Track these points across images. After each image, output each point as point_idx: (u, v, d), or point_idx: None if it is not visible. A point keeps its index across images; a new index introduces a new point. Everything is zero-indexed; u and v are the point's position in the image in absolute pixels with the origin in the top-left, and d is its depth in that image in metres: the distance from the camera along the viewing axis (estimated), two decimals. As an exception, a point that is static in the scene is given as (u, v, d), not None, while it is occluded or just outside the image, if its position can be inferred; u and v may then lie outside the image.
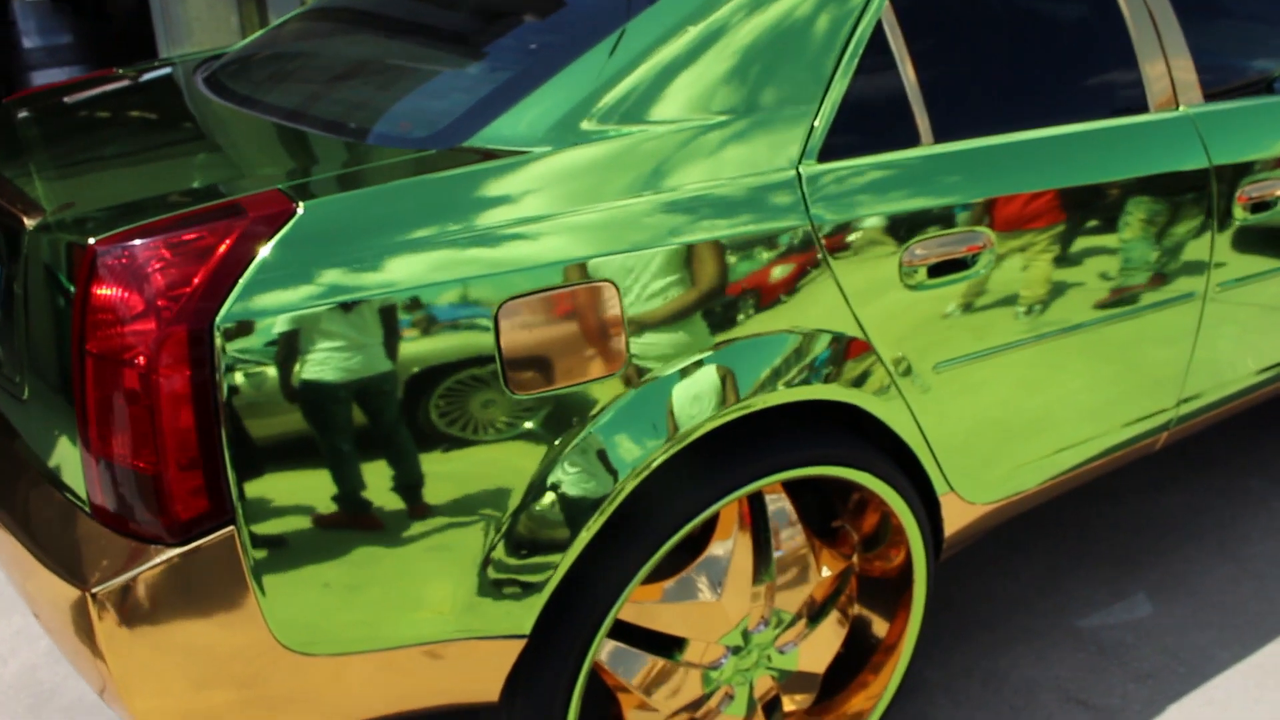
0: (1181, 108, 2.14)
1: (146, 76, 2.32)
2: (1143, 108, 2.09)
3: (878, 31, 1.78)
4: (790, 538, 1.85)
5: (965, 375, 1.88)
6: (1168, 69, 2.13)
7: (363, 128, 1.67)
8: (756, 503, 1.81)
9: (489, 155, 1.51)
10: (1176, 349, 2.21)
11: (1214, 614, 2.47)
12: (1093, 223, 1.95)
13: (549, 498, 1.50)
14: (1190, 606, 2.49)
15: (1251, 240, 2.23)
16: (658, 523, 1.61)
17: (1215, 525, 2.79)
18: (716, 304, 1.57)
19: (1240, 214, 2.19)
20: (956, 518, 2.00)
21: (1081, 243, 1.94)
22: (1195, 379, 2.29)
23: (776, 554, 1.83)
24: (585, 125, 1.56)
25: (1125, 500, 2.91)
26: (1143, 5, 2.11)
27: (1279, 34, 2.46)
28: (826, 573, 1.94)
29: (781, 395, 1.65)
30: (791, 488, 1.89)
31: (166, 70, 2.37)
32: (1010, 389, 1.96)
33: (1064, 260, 1.93)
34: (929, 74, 1.83)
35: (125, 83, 2.27)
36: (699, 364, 1.57)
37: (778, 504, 1.82)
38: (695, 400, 1.57)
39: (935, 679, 2.29)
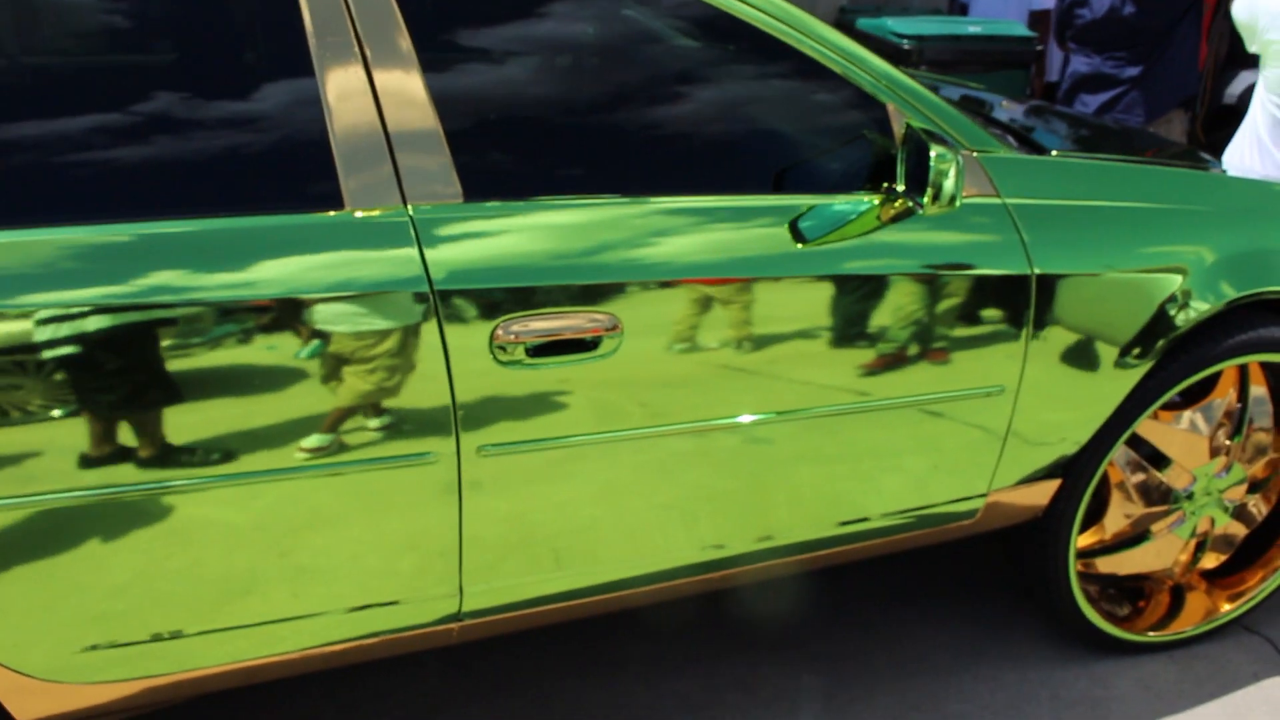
0: (409, 206, 1.59)
1: None
2: (328, 203, 1.56)
3: None
4: None
5: None
6: (388, 146, 1.58)
7: None
8: None
9: None
10: (426, 518, 1.66)
11: None
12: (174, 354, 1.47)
13: None
14: None
15: (538, 393, 1.65)
16: None
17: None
18: None
19: (507, 356, 1.62)
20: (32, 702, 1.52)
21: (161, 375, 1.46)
22: (482, 568, 1.73)
23: None
24: None
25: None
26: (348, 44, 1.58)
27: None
28: None
29: None
30: None
31: None
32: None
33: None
34: None
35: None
36: None
37: None
38: None
39: None
